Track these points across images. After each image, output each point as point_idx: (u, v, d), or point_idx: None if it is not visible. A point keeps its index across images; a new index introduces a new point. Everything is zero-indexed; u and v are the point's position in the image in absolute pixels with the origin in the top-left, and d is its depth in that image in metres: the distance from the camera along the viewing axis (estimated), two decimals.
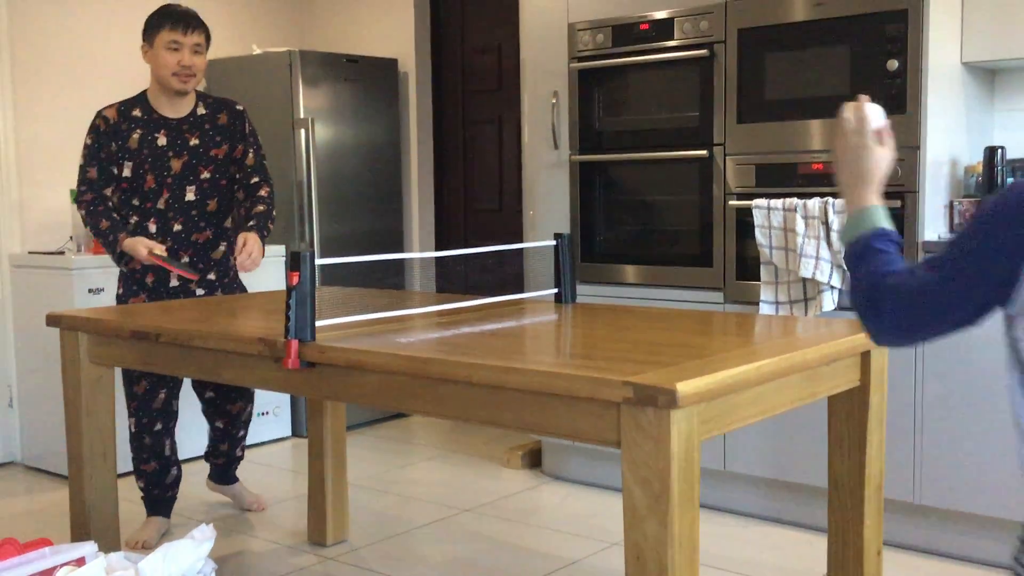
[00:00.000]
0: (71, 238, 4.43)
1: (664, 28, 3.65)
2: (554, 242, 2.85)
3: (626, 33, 3.74)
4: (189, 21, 3.40)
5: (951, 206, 3.29)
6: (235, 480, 3.84)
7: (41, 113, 4.53)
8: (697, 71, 3.58)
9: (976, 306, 1.33)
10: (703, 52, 3.54)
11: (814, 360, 2.01)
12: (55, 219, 4.53)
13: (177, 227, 3.45)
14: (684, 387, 1.65)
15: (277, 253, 4.64)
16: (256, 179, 3.53)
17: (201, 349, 2.45)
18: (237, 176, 3.54)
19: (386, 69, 5.23)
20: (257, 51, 4.95)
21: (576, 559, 3.26)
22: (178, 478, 3.61)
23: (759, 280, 3.40)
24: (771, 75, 3.42)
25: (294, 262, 2.19)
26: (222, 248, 3.54)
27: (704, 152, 3.57)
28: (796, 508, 3.49)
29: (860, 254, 1.49)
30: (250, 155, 3.54)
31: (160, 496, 3.57)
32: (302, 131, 4.80)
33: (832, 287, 3.23)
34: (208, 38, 3.48)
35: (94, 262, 4.17)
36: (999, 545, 3.08)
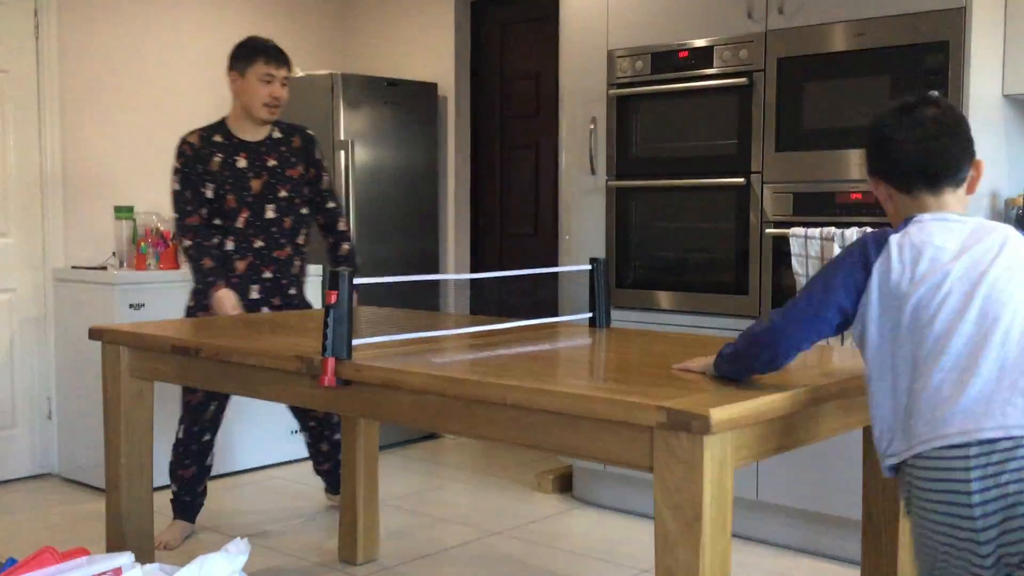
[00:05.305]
0: (113, 253, 4.50)
1: (703, 56, 3.67)
2: (589, 267, 2.86)
3: (665, 60, 3.76)
4: (280, 56, 3.64)
5: None
6: None
7: (87, 130, 4.62)
8: (736, 99, 3.59)
9: (833, 317, 1.82)
10: (742, 80, 3.55)
11: (849, 390, 2.00)
12: (98, 234, 4.61)
13: (259, 244, 3.62)
14: (718, 413, 1.66)
15: (319, 272, 4.68)
16: (332, 204, 3.79)
17: (240, 365, 2.48)
18: (312, 198, 3.74)
19: (426, 93, 5.29)
20: (300, 73, 5.01)
21: None
22: (206, 488, 3.78)
23: None
24: (810, 104, 3.42)
25: (332, 281, 2.22)
26: (298, 263, 3.72)
27: (742, 180, 3.57)
28: (829, 540, 3.46)
29: (731, 355, 1.94)
30: (324, 179, 3.78)
31: (190, 501, 3.73)
32: (342, 153, 4.86)
33: None
34: (291, 71, 3.72)
35: (136, 278, 4.24)
36: None
